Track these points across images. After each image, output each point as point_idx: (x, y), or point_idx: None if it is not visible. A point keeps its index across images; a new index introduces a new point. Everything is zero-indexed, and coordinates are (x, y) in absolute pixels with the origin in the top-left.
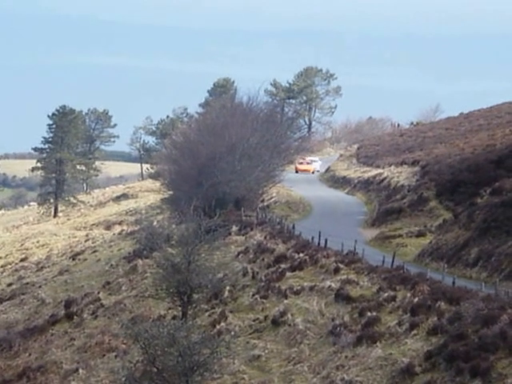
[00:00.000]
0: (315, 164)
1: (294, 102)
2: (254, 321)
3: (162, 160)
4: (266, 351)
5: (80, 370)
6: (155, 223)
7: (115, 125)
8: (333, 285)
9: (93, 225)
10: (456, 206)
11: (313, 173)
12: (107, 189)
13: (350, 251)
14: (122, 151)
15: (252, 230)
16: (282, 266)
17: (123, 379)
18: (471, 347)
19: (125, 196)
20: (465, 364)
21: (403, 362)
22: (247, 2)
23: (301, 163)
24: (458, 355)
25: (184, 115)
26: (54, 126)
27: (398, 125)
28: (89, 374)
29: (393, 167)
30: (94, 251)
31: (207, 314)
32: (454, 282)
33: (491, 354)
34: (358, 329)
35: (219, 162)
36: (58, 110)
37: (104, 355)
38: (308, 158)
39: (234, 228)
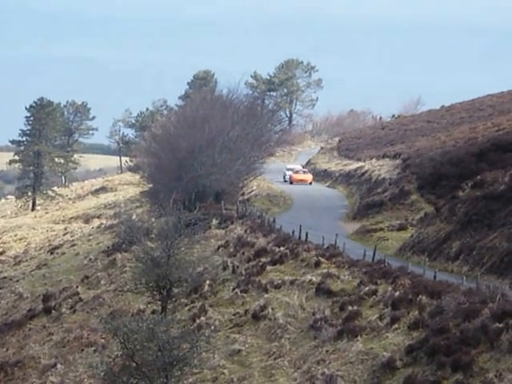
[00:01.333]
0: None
1: (274, 94)
2: (234, 315)
3: (142, 153)
4: (247, 346)
5: (58, 365)
6: (134, 217)
7: (94, 117)
8: (313, 279)
9: (71, 218)
10: (437, 199)
11: (310, 183)
12: (86, 182)
13: (331, 245)
14: (100, 144)
15: (232, 223)
16: (263, 259)
17: (102, 374)
18: (452, 341)
19: (104, 189)
20: (446, 358)
21: (384, 356)
22: None
23: (296, 172)
24: (439, 349)
25: (163, 108)
26: (31, 118)
27: (380, 118)
28: (67, 369)
29: (374, 160)
30: (73, 245)
31: (187, 308)
32: (435, 276)
33: (472, 348)
34: (339, 323)
35: (199, 155)
36: (35, 103)
37: (82, 350)
38: (289, 165)
39: (214, 221)
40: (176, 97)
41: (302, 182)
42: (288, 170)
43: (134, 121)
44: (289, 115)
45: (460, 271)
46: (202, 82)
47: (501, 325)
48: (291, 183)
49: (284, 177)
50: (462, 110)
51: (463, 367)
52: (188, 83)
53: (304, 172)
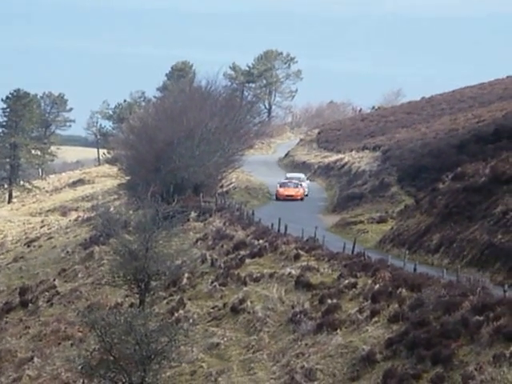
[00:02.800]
0: (304, 184)
1: (253, 85)
2: (212, 308)
3: (119, 145)
4: (225, 339)
5: (35, 359)
6: (112, 209)
7: (71, 109)
8: (293, 272)
9: (48, 211)
10: (418, 191)
11: (301, 199)
12: (63, 174)
13: (311, 238)
14: (78, 136)
15: (211, 216)
16: (242, 252)
17: (79, 368)
18: (433, 334)
19: (81, 181)
20: (426, 351)
21: (364, 349)
22: None
23: (283, 185)
24: (419, 342)
25: (141, 99)
26: (7, 109)
27: (360, 109)
28: (44, 363)
29: (354, 152)
30: (50, 238)
31: (165, 301)
32: (415, 269)
33: (453, 341)
34: (319, 316)
35: (177, 147)
36: (11, 94)
37: (59, 343)
38: (290, 175)
39: (193, 214)
40: (154, 88)
41: (290, 198)
42: (286, 179)
43: (111, 112)
44: (268, 107)
45: (440, 264)
46: (181, 73)
47: (481, 318)
48: (277, 199)
49: (276, 193)
50: (443, 101)
51: (443, 360)
52: (166, 74)
53: (296, 185)
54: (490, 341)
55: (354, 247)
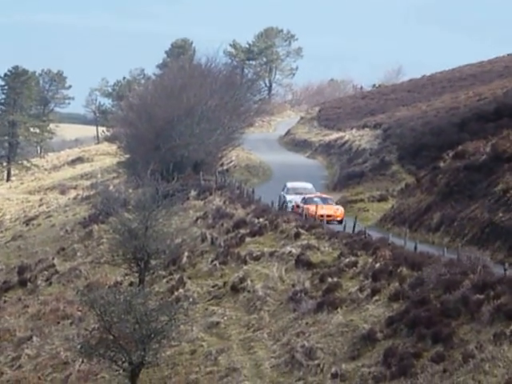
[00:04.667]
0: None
1: (253, 63)
2: (212, 287)
3: (119, 123)
4: (225, 318)
5: (34, 338)
6: (111, 187)
7: (70, 86)
8: (293, 250)
9: (47, 189)
10: (418, 169)
11: (340, 222)
12: (62, 152)
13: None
14: (77, 113)
15: (211, 194)
16: (242, 231)
17: (78, 347)
18: (433, 313)
19: (80, 159)
20: (426, 330)
21: (364, 328)
22: None
23: (309, 201)
24: (419, 321)
25: (141, 77)
26: (6, 87)
27: (361, 87)
28: (43, 342)
29: (354, 130)
30: (49, 216)
31: (165, 280)
32: (416, 247)
33: (453, 319)
34: (319, 295)
35: (177, 124)
36: (10, 71)
37: (58, 322)
38: (293, 184)
39: (193, 192)
40: (154, 66)
41: (328, 219)
42: (289, 191)
43: (110, 90)
44: (268, 84)
45: (441, 242)
46: (180, 50)
47: (481, 296)
48: (305, 217)
49: (283, 203)
50: (444, 79)
51: (444, 339)
52: (166, 52)
53: (325, 200)
54: (491, 319)
55: (354, 226)
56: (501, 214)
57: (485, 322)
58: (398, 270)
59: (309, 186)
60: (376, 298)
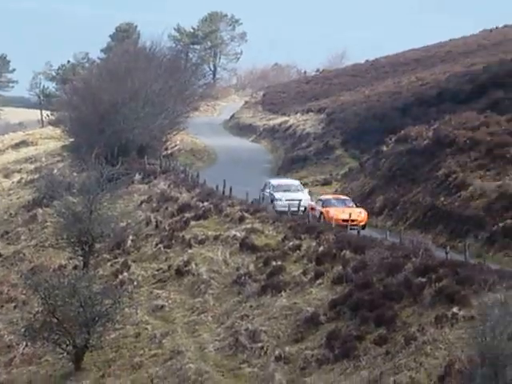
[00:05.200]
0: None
1: (198, 47)
2: (157, 271)
3: (63, 106)
4: (170, 301)
5: None
6: (56, 171)
7: (14, 70)
8: (237, 234)
9: None
10: (362, 154)
11: (363, 228)
12: (6, 136)
13: (255, 200)
14: (21, 97)
15: (155, 178)
16: (186, 215)
17: (22, 330)
18: (376, 296)
19: (24, 143)
20: (369, 313)
21: (308, 311)
22: None
23: (327, 203)
24: (362, 304)
25: (85, 61)
26: None
27: (305, 72)
28: None
29: (299, 115)
30: None
31: (109, 263)
32: (359, 231)
33: (395, 302)
34: (263, 278)
35: (122, 108)
36: None
37: (2, 306)
38: (277, 181)
39: (137, 176)
40: (98, 50)
41: (351, 225)
42: (275, 188)
43: (54, 74)
44: (213, 69)
45: (384, 226)
46: (125, 34)
47: (424, 279)
48: (328, 222)
49: (271, 201)
50: (387, 64)
51: (386, 322)
52: (110, 36)
53: (344, 202)
54: (432, 302)
55: (298, 209)
56: (442, 198)
57: (427, 304)
58: (342, 254)
59: (296, 182)
60: (319, 281)
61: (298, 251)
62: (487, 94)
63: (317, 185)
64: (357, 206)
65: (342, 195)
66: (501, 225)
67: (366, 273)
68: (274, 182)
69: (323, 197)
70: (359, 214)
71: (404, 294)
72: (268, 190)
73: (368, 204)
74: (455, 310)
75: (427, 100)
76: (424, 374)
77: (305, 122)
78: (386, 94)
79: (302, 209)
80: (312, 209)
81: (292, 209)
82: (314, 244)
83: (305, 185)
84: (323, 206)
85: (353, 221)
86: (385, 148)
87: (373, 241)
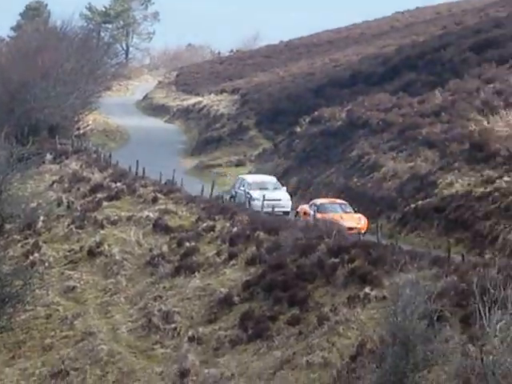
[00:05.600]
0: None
1: (110, 26)
2: (69, 252)
3: None
4: (82, 282)
5: None
6: None
7: None
8: (151, 215)
9: None
10: (276, 135)
11: (364, 233)
12: None
13: (169, 181)
14: None
15: (67, 158)
16: (99, 195)
17: None
18: (289, 277)
19: None
20: (283, 293)
21: (221, 292)
22: None
23: (323, 208)
24: (276, 285)
25: None
26: None
27: (219, 52)
28: None
29: (213, 95)
30: None
31: (20, 244)
32: (273, 212)
33: (309, 283)
34: (177, 259)
35: (32, 87)
36: None
37: None
38: (251, 178)
39: (48, 156)
40: (8, 28)
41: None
42: (251, 186)
43: None
44: (125, 48)
45: (297, 207)
46: (35, 12)
47: (336, 260)
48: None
49: (249, 201)
50: (300, 45)
51: (299, 302)
52: (20, 14)
53: (342, 206)
54: (345, 282)
55: (212, 190)
56: (355, 179)
57: (339, 285)
58: (255, 235)
59: (273, 179)
60: (233, 262)
61: (211, 232)
62: (399, 76)
63: (230, 165)
64: (355, 212)
65: (337, 199)
66: (412, 206)
67: (280, 254)
68: (249, 178)
69: (317, 201)
70: (358, 221)
71: (317, 274)
72: (242, 188)
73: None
74: (367, 290)
75: (340, 81)
76: (336, 354)
77: (219, 102)
78: (299, 75)
79: (287, 210)
80: (305, 213)
81: (276, 209)
82: (227, 225)
83: (218, 166)
84: (318, 212)
85: (351, 228)
86: (298, 129)
87: (287, 222)
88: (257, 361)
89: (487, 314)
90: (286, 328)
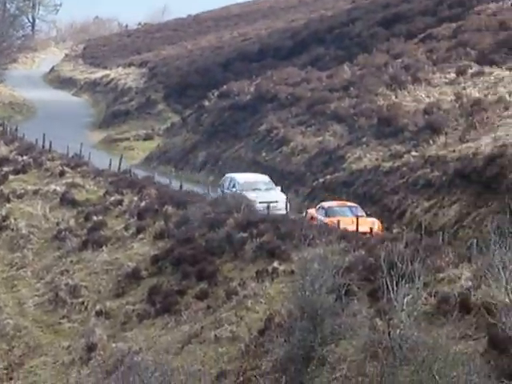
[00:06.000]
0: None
1: None
2: None
3: None
4: None
5: None
6: None
7: None
8: (58, 188)
9: None
10: (184, 108)
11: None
12: None
13: (76, 154)
14: None
15: None
16: (5, 168)
17: None
18: (198, 251)
19: None
20: (191, 268)
21: (129, 266)
22: None
23: (331, 212)
24: (184, 259)
25: None
26: None
27: (126, 25)
28: None
29: (120, 68)
30: None
31: None
32: (181, 186)
33: (217, 257)
34: (84, 233)
35: None
36: None
37: None
38: (242, 177)
39: None
40: None
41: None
42: (243, 186)
43: None
44: (32, 20)
45: (206, 181)
46: None
47: (245, 234)
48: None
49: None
50: (209, 18)
51: (208, 276)
52: None
53: (351, 209)
54: (254, 257)
55: (120, 164)
56: (264, 154)
57: (247, 259)
58: (164, 209)
59: (265, 178)
60: (141, 236)
61: (119, 206)
62: (308, 50)
63: (138, 139)
64: (367, 215)
65: (347, 201)
66: (321, 180)
67: (188, 228)
68: (239, 178)
69: (325, 204)
70: (371, 225)
71: (225, 249)
72: (233, 189)
73: (190, 159)
74: (276, 264)
75: (249, 55)
76: (244, 328)
77: (127, 75)
78: (208, 48)
79: (283, 212)
80: (312, 218)
81: (272, 211)
82: (135, 199)
83: (126, 139)
84: (326, 216)
85: (364, 234)
86: (207, 103)
87: (195, 196)
88: (165, 335)
89: (395, 288)
90: (194, 302)
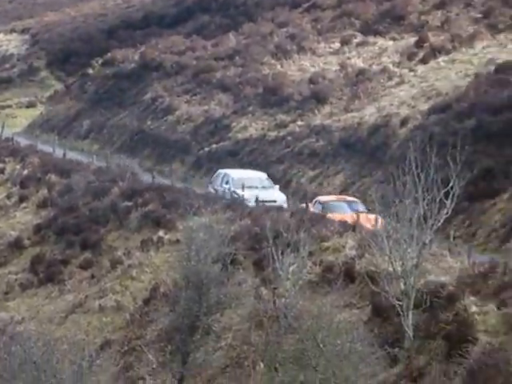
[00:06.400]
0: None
1: None
2: None
3: None
4: None
5: None
6: None
7: None
8: None
9: None
10: (68, 76)
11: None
12: None
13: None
14: None
15: None
16: None
17: None
18: (82, 220)
19: None
20: (75, 237)
21: (11, 235)
22: None
23: (331, 207)
24: (68, 228)
25: None
26: None
27: None
28: None
29: (1, 35)
30: None
31: None
32: (64, 154)
33: (102, 226)
34: None
35: None
36: None
37: None
38: (236, 173)
39: None
40: None
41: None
42: (237, 183)
43: None
44: None
45: (90, 150)
46: None
47: (130, 203)
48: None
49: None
50: None
51: (92, 246)
52: None
53: (351, 204)
54: (139, 226)
55: (1, 132)
56: (149, 122)
57: (133, 229)
58: (47, 178)
59: (262, 175)
60: (24, 205)
61: (1, 174)
62: (193, 19)
63: (21, 107)
64: (369, 211)
65: (347, 196)
66: (206, 149)
67: (72, 197)
68: (234, 174)
69: (322, 198)
70: (375, 223)
71: (110, 218)
72: (226, 186)
73: (74, 127)
74: (161, 233)
75: (133, 23)
76: (129, 298)
77: (8, 42)
78: (91, 15)
79: None
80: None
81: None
82: (18, 167)
83: (9, 107)
84: (323, 211)
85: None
86: (91, 71)
87: (79, 164)
88: (48, 304)
89: (280, 258)
90: (78, 272)
